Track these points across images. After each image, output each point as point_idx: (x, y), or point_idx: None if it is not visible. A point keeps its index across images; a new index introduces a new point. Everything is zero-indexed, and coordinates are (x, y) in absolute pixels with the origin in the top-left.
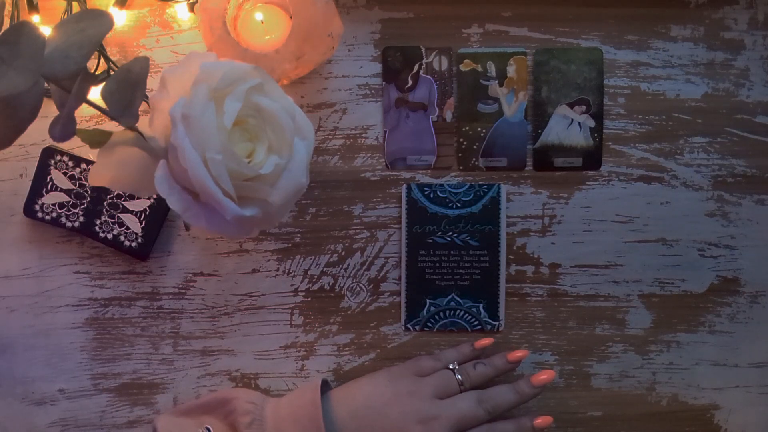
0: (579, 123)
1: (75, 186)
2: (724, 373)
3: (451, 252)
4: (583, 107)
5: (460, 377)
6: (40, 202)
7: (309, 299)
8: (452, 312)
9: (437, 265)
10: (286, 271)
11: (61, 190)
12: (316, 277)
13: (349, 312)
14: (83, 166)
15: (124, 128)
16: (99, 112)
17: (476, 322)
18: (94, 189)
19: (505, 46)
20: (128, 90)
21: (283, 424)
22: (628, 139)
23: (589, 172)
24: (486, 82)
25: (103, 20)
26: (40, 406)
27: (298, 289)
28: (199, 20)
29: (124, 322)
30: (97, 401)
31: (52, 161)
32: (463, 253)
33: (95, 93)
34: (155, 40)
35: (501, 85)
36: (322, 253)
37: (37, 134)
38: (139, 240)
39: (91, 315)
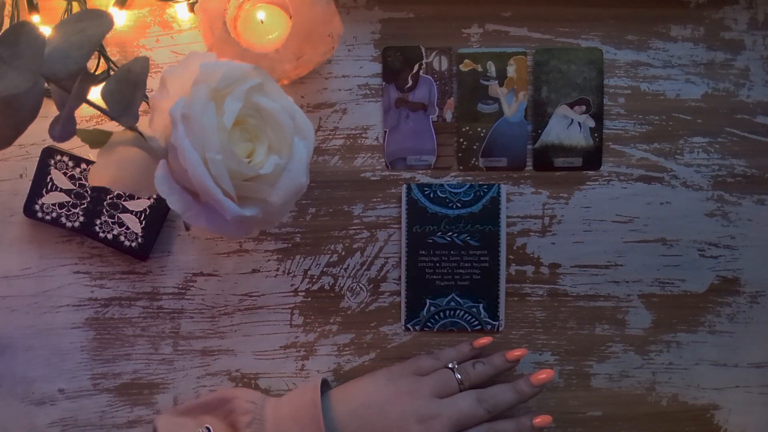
0: (579, 123)
1: (75, 186)
2: (724, 373)
3: (451, 252)
4: (583, 107)
5: (459, 376)
6: (40, 202)
7: (309, 299)
8: (452, 312)
9: (437, 265)
10: (286, 271)
11: (61, 190)
12: (316, 277)
13: (349, 312)
14: (83, 166)
15: (124, 128)
16: (99, 112)
17: (476, 322)
18: (94, 189)
19: (505, 46)
20: (128, 90)
21: (283, 423)
22: (628, 139)
23: (589, 172)
24: (486, 82)
25: (103, 20)
26: (40, 406)
27: (298, 289)
28: (199, 20)
29: (124, 322)
30: (97, 401)
31: (52, 161)
32: (463, 253)
33: (95, 93)
34: (155, 40)
35: (501, 85)
36: (322, 253)
37: (37, 134)
38: (139, 240)
39: (91, 315)
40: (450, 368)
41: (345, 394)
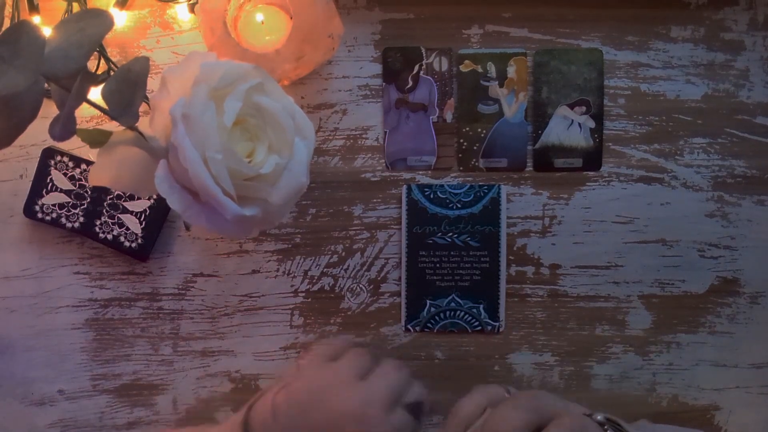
0: (579, 124)
1: (75, 186)
2: (724, 373)
3: (452, 253)
4: (584, 108)
5: None
6: (40, 202)
7: (309, 300)
8: (452, 313)
9: (437, 265)
10: (286, 272)
11: (61, 191)
12: (316, 277)
13: (349, 313)
14: (83, 166)
15: (124, 128)
16: (99, 112)
17: (476, 323)
18: (94, 189)
19: (506, 47)
20: (128, 90)
21: None
22: (628, 139)
23: (589, 172)
24: (486, 83)
25: (103, 20)
26: (40, 406)
27: (298, 290)
28: (200, 21)
29: (124, 323)
30: (96, 402)
31: (52, 162)
32: (464, 253)
33: (95, 93)
34: (156, 40)
35: (501, 85)
36: (322, 253)
37: (37, 134)
38: (139, 240)
39: (91, 316)
40: None
41: None
